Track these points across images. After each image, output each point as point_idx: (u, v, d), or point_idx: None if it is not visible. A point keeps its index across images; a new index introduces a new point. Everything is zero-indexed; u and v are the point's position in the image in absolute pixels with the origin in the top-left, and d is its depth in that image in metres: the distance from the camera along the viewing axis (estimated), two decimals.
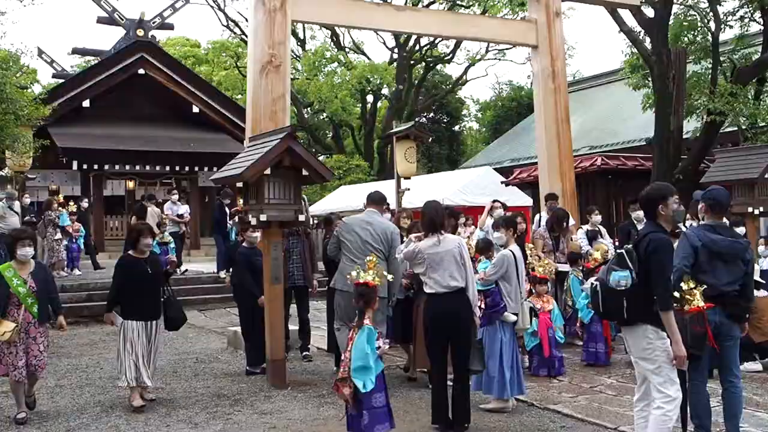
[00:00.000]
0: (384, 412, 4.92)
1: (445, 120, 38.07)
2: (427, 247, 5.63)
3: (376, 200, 7.26)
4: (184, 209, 14.96)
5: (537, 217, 10.96)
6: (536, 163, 13.37)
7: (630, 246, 4.61)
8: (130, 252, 6.74)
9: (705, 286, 4.84)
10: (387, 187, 17.09)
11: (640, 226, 9.37)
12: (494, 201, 10.26)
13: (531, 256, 8.13)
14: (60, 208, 14.44)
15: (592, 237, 9.67)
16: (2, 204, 12.68)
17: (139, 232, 6.71)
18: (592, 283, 4.81)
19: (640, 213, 9.81)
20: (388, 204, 9.08)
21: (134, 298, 6.52)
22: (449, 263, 5.53)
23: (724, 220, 5.63)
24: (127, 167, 19.17)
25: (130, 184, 20.50)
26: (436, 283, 5.55)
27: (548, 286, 7.97)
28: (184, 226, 14.86)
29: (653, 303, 4.44)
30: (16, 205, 12.84)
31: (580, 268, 8.58)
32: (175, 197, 15.08)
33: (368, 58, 31.67)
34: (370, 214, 7.06)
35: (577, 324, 8.28)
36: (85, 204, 15.87)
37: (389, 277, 5.73)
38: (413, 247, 5.72)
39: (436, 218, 5.70)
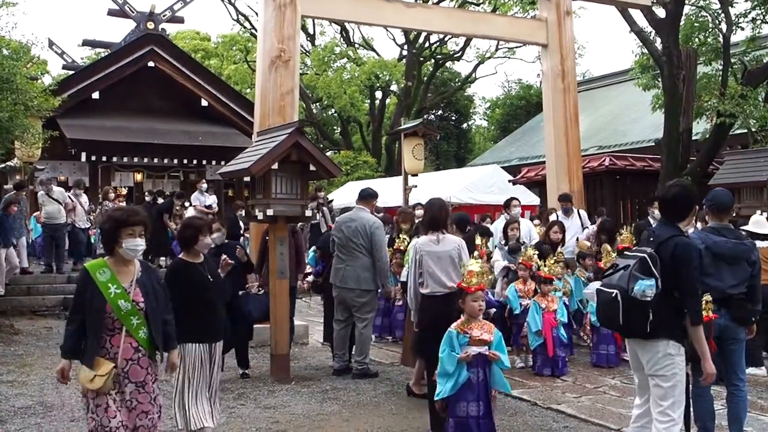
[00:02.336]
0: (474, 424, 4.59)
1: (453, 117, 38.02)
2: (424, 244, 5.55)
3: (365, 197, 7.69)
4: (212, 200, 14.82)
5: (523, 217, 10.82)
6: (544, 162, 13.35)
7: (652, 250, 4.16)
8: (182, 256, 5.22)
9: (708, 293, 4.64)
10: (394, 184, 17.15)
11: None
12: (512, 198, 10.30)
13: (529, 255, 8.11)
14: (118, 199, 14.43)
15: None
16: (41, 192, 12.71)
17: (198, 228, 5.16)
18: (604, 291, 4.27)
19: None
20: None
21: (195, 315, 4.93)
22: (446, 263, 5.44)
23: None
24: (136, 159, 19.23)
25: (138, 177, 20.53)
26: (434, 282, 5.46)
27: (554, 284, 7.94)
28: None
29: (678, 315, 4.14)
30: (55, 192, 12.82)
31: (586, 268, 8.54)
32: (204, 186, 15.00)
33: (378, 55, 31.64)
34: (356, 212, 7.46)
35: (588, 326, 8.21)
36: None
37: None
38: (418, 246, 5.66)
39: (439, 216, 5.63)
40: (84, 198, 13.29)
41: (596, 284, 4.91)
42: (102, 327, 3.84)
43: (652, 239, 4.30)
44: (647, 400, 4.37)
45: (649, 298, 4.00)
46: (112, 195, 14.47)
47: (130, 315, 3.87)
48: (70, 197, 12.64)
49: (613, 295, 4.14)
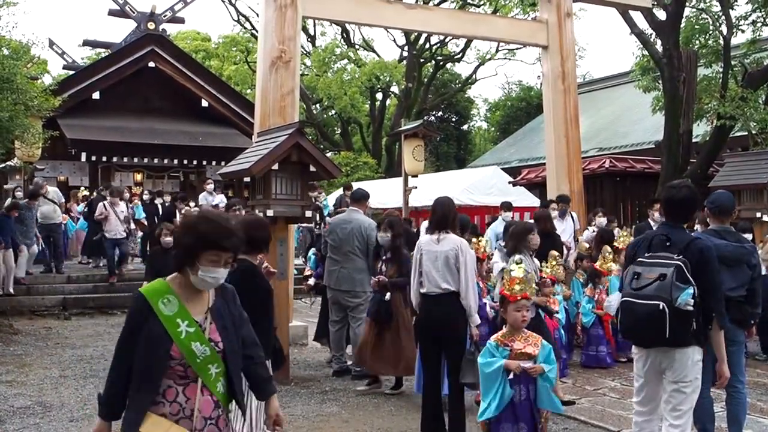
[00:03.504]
0: None
1: (453, 119, 38.04)
2: (425, 243, 5.46)
3: (358, 198, 7.75)
4: (219, 199, 14.76)
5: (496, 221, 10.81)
6: (544, 163, 13.35)
7: (682, 257, 4.06)
8: (248, 258, 4.36)
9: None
10: (394, 185, 17.15)
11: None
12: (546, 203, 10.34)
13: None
14: (134, 200, 14.31)
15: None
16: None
17: (268, 228, 4.71)
18: (645, 303, 4.03)
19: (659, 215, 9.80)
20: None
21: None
22: (442, 264, 5.27)
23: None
24: (136, 160, 19.24)
25: (138, 177, 20.54)
26: (429, 282, 5.31)
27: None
28: None
29: (706, 321, 4.08)
30: (50, 192, 12.78)
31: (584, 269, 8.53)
32: (210, 187, 14.95)
33: (378, 56, 31.65)
34: (351, 213, 7.45)
35: (579, 328, 8.21)
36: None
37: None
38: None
39: (448, 215, 5.44)
40: (121, 206, 12.58)
41: (616, 296, 4.41)
42: (163, 375, 2.74)
43: (669, 244, 4.20)
44: (654, 408, 4.30)
45: (691, 308, 3.92)
46: (127, 195, 14.30)
47: (207, 363, 2.76)
48: (105, 206, 12.24)
49: (660, 307, 3.96)
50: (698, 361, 4.13)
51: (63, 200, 12.84)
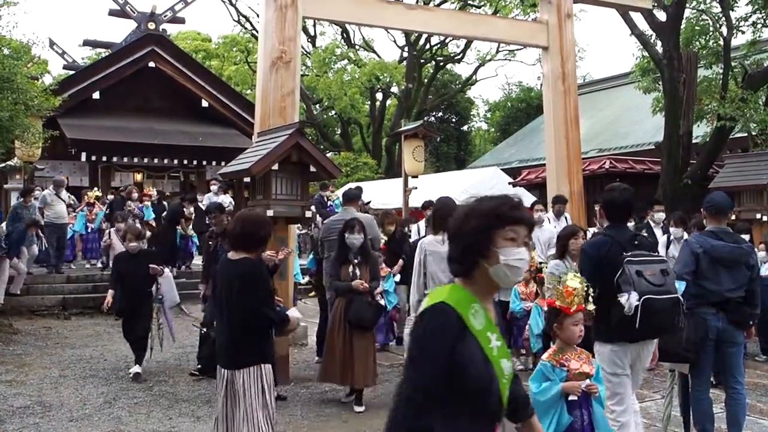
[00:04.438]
0: None
1: (453, 119, 38.03)
2: (429, 244, 5.45)
3: (351, 197, 7.82)
4: (223, 199, 14.67)
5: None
6: (544, 164, 13.34)
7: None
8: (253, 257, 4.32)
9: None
10: (394, 186, 17.14)
11: (656, 230, 9.33)
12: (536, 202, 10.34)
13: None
14: (145, 200, 14.10)
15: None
16: (49, 191, 12.70)
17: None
18: (661, 299, 4.15)
19: (661, 215, 9.80)
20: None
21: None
22: (447, 266, 5.23)
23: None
24: (136, 160, 19.23)
25: (138, 177, 20.55)
26: (435, 283, 5.31)
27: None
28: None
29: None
30: (64, 193, 12.82)
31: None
32: (215, 188, 14.90)
33: (378, 56, 31.64)
34: (344, 213, 7.42)
35: None
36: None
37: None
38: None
39: (452, 215, 5.40)
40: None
41: (633, 296, 4.18)
42: (486, 415, 2.17)
43: (637, 243, 4.45)
44: (628, 403, 4.37)
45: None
46: (135, 195, 14.15)
47: (507, 385, 2.24)
48: (110, 234, 11.98)
49: (675, 300, 4.25)
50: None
51: (71, 202, 12.93)
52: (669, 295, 4.21)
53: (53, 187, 12.78)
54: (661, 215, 9.81)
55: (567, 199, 10.75)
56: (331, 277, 6.88)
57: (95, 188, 16.02)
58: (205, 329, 7.26)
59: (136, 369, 7.44)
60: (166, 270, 7.95)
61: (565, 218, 10.55)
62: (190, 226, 13.37)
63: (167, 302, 7.89)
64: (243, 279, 4.07)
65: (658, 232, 9.38)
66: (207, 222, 10.57)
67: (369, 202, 15.99)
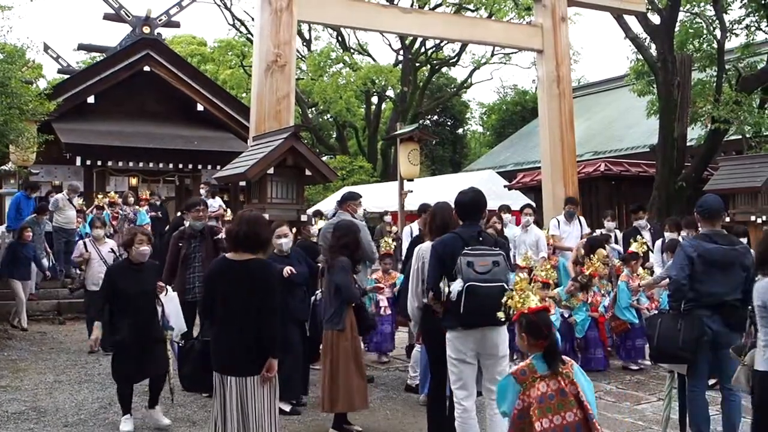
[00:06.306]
0: None
1: (449, 123, 38.09)
2: (428, 250, 5.23)
3: (344, 200, 7.58)
4: (217, 202, 14.52)
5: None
6: (540, 167, 13.38)
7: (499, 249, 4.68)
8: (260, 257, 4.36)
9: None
10: (390, 189, 17.13)
11: (644, 233, 9.38)
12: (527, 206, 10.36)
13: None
14: (138, 205, 13.95)
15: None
16: (62, 195, 12.66)
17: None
18: (482, 285, 4.42)
19: (641, 221, 9.87)
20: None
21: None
22: None
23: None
24: (131, 164, 19.14)
25: (133, 181, 20.47)
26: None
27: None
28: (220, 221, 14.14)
29: None
30: (76, 199, 12.82)
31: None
32: (203, 191, 14.75)
33: (373, 60, 31.70)
34: (339, 217, 7.34)
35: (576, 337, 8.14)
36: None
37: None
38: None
39: (449, 221, 5.21)
40: (108, 244, 9.72)
41: (457, 283, 4.46)
42: None
43: (481, 239, 4.76)
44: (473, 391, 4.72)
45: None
46: (131, 199, 14.00)
47: None
48: (85, 244, 11.78)
49: (501, 288, 4.39)
50: None
51: (85, 209, 13.01)
52: (495, 283, 4.41)
53: (67, 192, 12.75)
54: (641, 221, 9.99)
55: (578, 201, 10.72)
56: None
57: (101, 195, 15.90)
58: (183, 341, 5.85)
59: (160, 419, 6.02)
60: (169, 288, 6.32)
61: (579, 221, 10.37)
62: None
63: (177, 329, 6.24)
64: (260, 280, 3.99)
65: (646, 235, 9.45)
66: (180, 216, 10.31)
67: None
